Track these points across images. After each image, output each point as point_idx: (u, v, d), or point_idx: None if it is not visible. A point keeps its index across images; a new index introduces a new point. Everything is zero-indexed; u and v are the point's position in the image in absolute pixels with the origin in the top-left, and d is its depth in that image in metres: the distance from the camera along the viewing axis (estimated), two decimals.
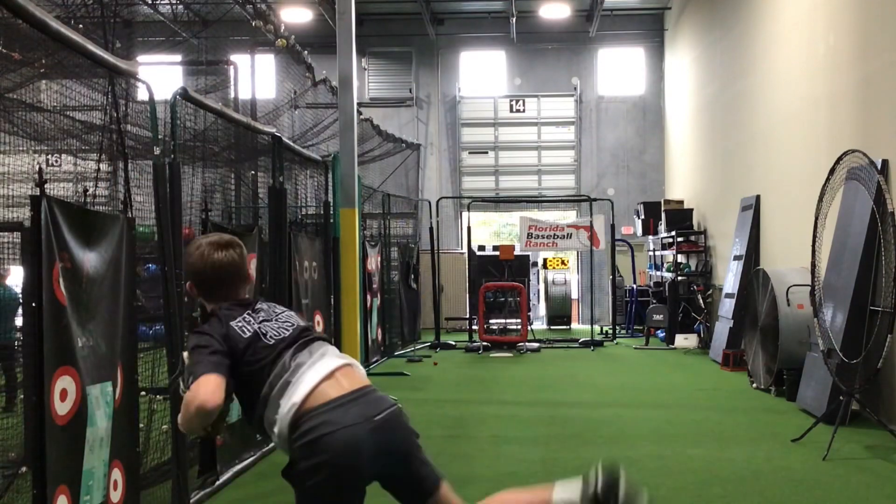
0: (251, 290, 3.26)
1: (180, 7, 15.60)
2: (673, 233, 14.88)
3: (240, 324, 2.92)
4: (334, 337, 8.89)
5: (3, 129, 5.01)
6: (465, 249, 17.25)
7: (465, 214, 17.38)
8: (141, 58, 11.35)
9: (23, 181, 4.41)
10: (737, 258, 12.18)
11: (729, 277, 12.40)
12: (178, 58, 13.17)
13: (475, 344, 14.22)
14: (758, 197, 11.80)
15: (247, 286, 3.09)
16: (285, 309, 3.16)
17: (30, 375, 3.75)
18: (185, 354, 2.91)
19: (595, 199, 16.21)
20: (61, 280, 3.85)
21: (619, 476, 2.81)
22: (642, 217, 16.72)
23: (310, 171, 9.49)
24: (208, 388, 2.66)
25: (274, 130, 7.65)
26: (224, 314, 2.96)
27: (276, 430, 2.84)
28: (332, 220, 9.40)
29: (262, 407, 2.87)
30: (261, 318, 2.98)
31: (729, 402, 8.89)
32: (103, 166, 5.40)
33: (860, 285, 7.61)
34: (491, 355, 13.60)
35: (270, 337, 2.94)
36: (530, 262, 18.75)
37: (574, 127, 19.26)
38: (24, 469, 4.13)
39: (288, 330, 2.99)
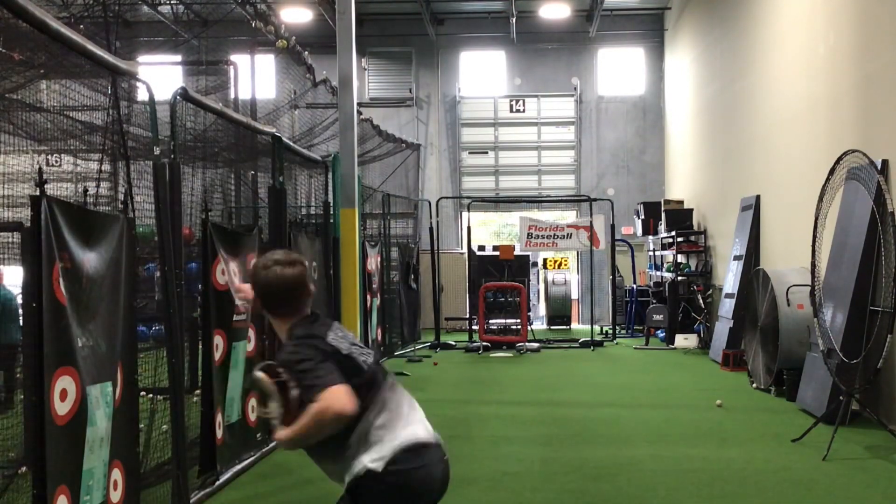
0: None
1: (181, 8, 15.62)
2: (673, 233, 14.88)
3: (333, 339, 3.04)
4: None
5: (3, 129, 5.01)
6: (465, 249, 17.25)
7: (465, 214, 17.38)
8: (141, 58, 11.37)
9: (23, 181, 4.41)
10: (737, 258, 12.18)
11: (729, 277, 12.40)
12: (178, 58, 13.18)
13: (475, 344, 14.21)
14: (758, 197, 11.80)
15: (310, 300, 3.17)
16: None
17: (30, 375, 3.75)
18: (262, 375, 2.90)
19: (595, 199, 16.21)
20: (61, 280, 3.85)
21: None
22: (642, 217, 16.72)
23: (310, 171, 9.49)
24: (342, 397, 2.81)
25: (274, 130, 7.65)
26: (318, 330, 3.07)
27: (363, 454, 2.94)
28: (332, 220, 9.40)
29: (353, 429, 2.95)
30: (342, 335, 3.11)
31: (729, 402, 8.89)
32: (103, 166, 5.40)
33: (860, 285, 7.61)
34: (491, 355, 13.60)
35: (361, 358, 3.06)
36: (530, 262, 18.76)
37: (574, 127, 19.26)
38: (23, 469, 4.14)
39: (370, 355, 3.13)
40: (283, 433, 2.86)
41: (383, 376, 3.10)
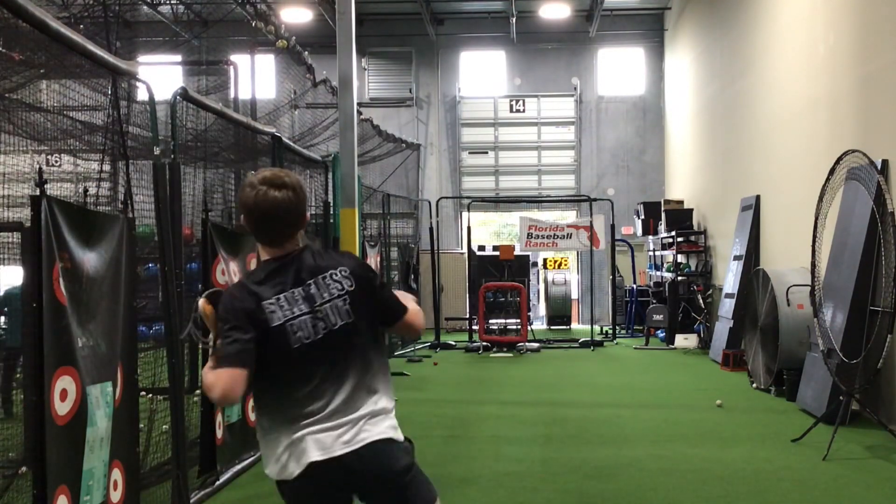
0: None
1: (181, 8, 15.62)
2: (673, 233, 14.88)
3: (274, 304, 2.66)
4: None
5: (3, 129, 5.01)
6: (465, 249, 17.25)
7: (465, 214, 17.38)
8: (141, 58, 11.38)
9: (23, 181, 4.41)
10: (737, 258, 12.18)
11: (729, 277, 12.40)
12: (178, 58, 13.18)
13: (475, 344, 14.21)
14: (758, 197, 11.80)
15: (300, 232, 2.77)
16: (347, 263, 2.83)
17: (30, 375, 3.75)
18: (203, 303, 2.70)
19: (595, 199, 16.21)
20: (61, 280, 3.85)
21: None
22: (642, 217, 16.72)
23: (310, 171, 9.49)
24: (225, 384, 2.51)
25: (274, 130, 7.65)
26: (264, 287, 2.68)
27: (263, 447, 2.73)
28: (332, 220, 9.40)
29: (261, 410, 2.73)
30: (301, 295, 2.69)
31: (729, 402, 8.89)
32: (103, 166, 5.40)
33: (860, 285, 7.61)
34: (491, 355, 13.60)
35: (300, 334, 2.67)
36: (530, 262, 18.75)
37: (574, 127, 19.26)
38: (23, 469, 4.14)
39: (323, 330, 2.70)
40: (205, 373, 2.62)
41: (332, 360, 2.68)
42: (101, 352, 4.21)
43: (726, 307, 12.16)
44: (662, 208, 15.78)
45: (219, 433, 5.93)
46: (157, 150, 5.13)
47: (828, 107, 9.28)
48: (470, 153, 19.48)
